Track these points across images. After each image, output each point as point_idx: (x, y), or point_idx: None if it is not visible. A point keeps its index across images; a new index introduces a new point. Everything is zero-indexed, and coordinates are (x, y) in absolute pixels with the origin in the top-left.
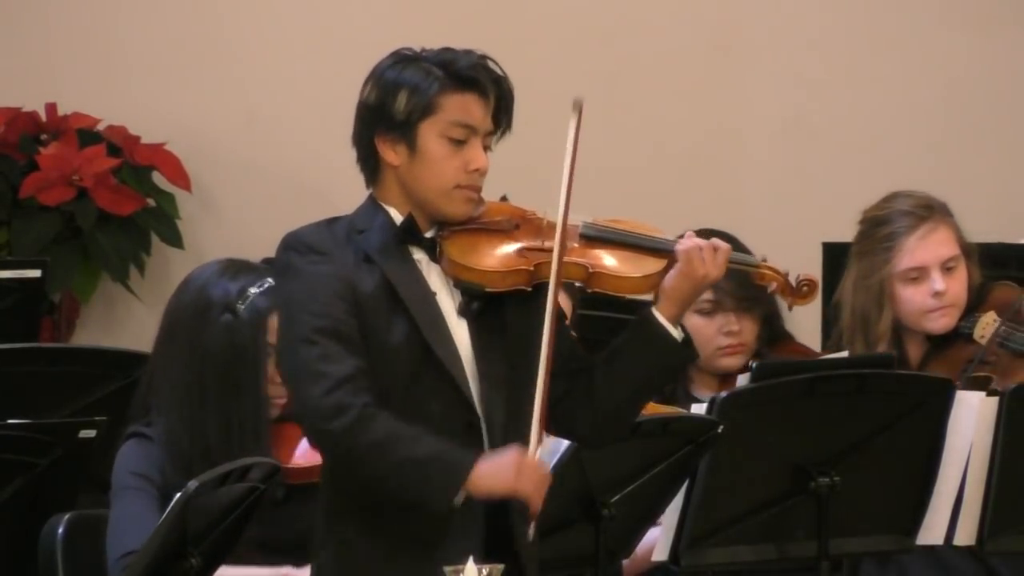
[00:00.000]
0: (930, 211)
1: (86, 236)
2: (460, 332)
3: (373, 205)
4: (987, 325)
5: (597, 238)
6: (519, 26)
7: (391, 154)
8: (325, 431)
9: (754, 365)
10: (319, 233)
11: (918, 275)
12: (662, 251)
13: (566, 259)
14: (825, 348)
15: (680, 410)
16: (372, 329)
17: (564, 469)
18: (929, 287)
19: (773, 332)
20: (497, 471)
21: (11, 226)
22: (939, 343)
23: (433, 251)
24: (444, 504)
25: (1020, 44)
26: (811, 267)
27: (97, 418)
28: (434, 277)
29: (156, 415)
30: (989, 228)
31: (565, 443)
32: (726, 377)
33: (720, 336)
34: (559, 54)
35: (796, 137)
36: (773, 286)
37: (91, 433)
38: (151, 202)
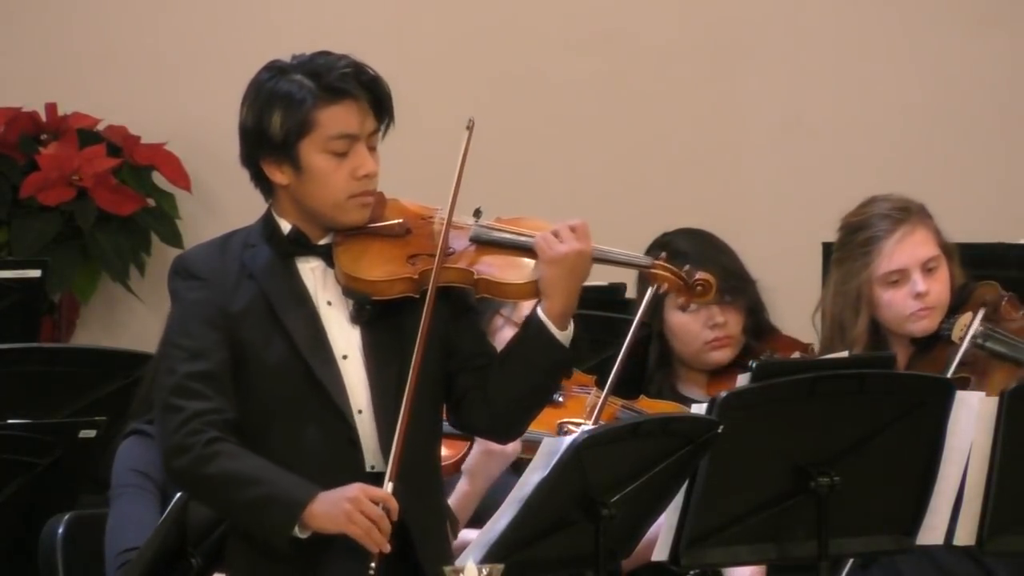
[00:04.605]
0: (907, 213)
1: (86, 236)
2: (353, 339)
3: (267, 219)
4: (963, 326)
5: (487, 242)
6: (519, 27)
7: (278, 175)
8: (169, 468)
9: (754, 365)
10: (207, 253)
11: (899, 278)
12: None
13: (452, 265)
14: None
15: (680, 407)
16: (251, 347)
17: (564, 469)
18: (911, 289)
19: (758, 324)
20: (329, 510)
21: (11, 226)
22: (923, 346)
23: (329, 258)
24: (283, 542)
25: (1020, 44)
26: (811, 267)
27: (97, 418)
28: (330, 284)
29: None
30: (988, 228)
31: (565, 442)
32: (715, 373)
33: (706, 330)
34: (559, 54)
35: (796, 137)
36: (665, 286)
37: (91, 433)
38: (151, 202)
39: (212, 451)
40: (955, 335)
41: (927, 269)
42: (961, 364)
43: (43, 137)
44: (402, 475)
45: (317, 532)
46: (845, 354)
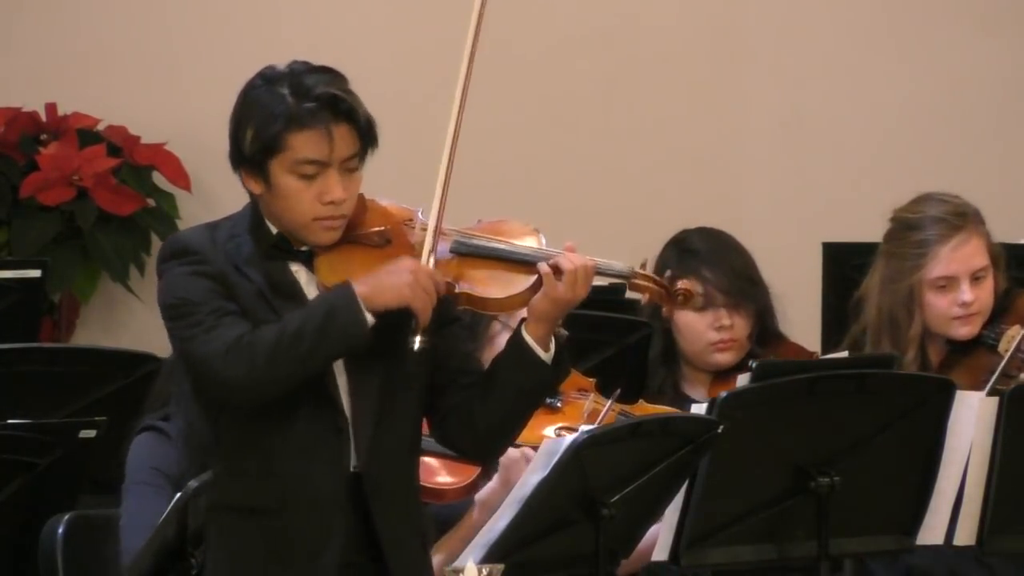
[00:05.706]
0: (964, 219)
1: (86, 236)
2: None
3: (254, 214)
4: (1012, 339)
5: (469, 253)
6: (519, 26)
7: (253, 184)
8: (226, 383)
9: (754, 365)
10: (198, 236)
11: (947, 283)
12: (532, 265)
13: None
14: (840, 344)
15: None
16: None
17: (564, 469)
18: (956, 296)
19: (765, 329)
20: (390, 282)
21: (11, 226)
22: (961, 349)
23: (311, 263)
24: (360, 339)
25: (1020, 44)
26: (811, 267)
27: (97, 418)
28: (313, 289)
29: (175, 410)
30: (989, 228)
31: (565, 442)
32: (719, 374)
33: (711, 331)
34: (560, 54)
35: (796, 137)
36: (646, 296)
37: (91, 433)
38: (151, 202)
39: (251, 337)
40: (1002, 347)
41: (975, 278)
42: (1005, 377)
43: (43, 137)
44: (377, 483)
45: (386, 309)
46: (845, 354)
